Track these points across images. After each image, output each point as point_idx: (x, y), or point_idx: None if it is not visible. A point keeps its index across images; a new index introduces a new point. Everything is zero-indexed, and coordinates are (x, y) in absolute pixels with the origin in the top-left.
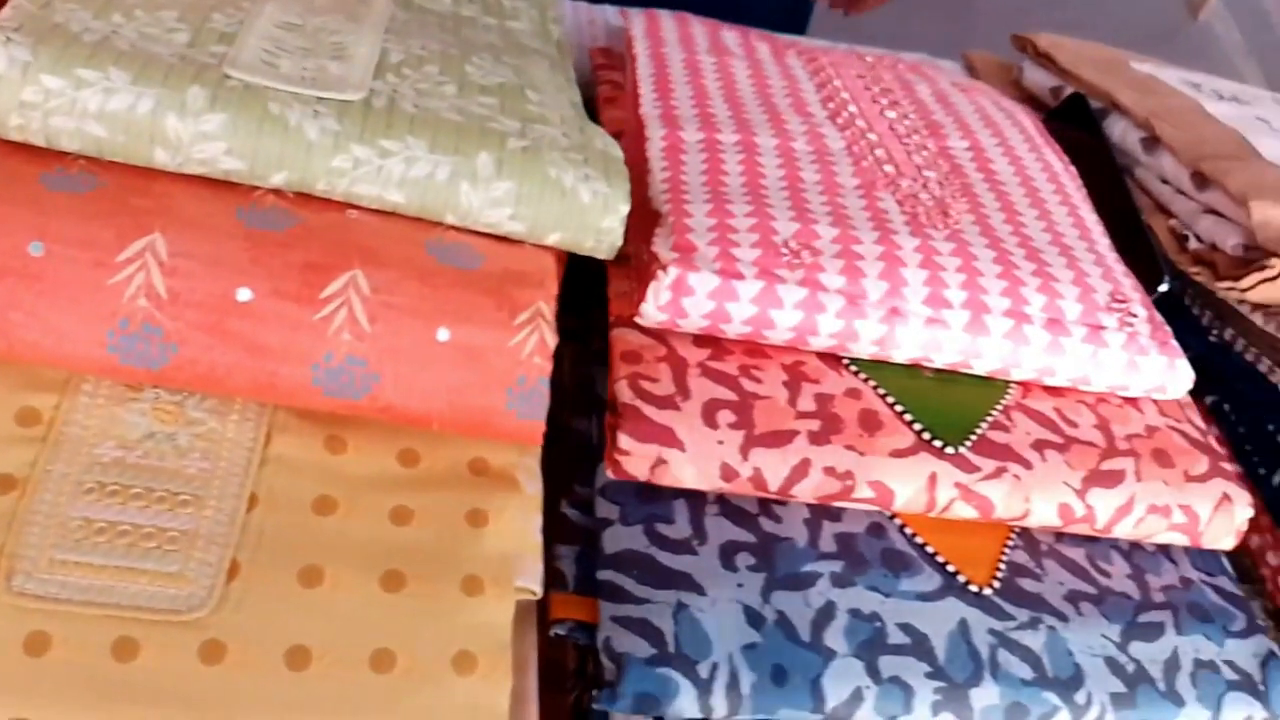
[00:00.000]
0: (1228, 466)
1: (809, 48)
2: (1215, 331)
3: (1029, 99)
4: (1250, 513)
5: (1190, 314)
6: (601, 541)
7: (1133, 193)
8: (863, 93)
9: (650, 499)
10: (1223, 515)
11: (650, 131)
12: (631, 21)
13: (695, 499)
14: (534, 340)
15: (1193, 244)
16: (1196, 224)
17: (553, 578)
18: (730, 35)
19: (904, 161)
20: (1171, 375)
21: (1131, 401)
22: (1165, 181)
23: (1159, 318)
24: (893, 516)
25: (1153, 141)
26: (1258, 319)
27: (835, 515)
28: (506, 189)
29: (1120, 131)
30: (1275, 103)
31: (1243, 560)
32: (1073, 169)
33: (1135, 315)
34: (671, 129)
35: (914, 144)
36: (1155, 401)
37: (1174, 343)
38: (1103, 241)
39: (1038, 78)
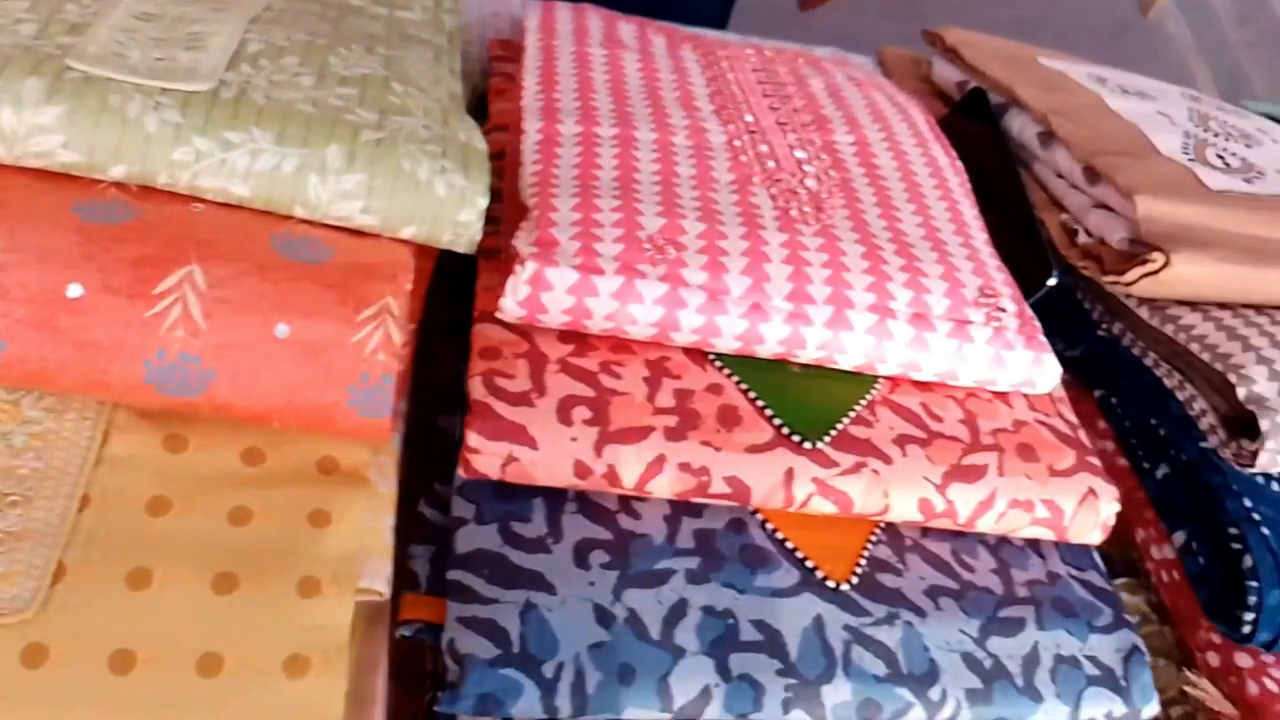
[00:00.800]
0: (1094, 461)
1: (707, 41)
2: (1105, 326)
3: (938, 94)
4: (1116, 507)
5: (1082, 308)
6: (454, 541)
7: (1027, 187)
8: (755, 87)
9: (507, 497)
10: (1087, 510)
11: (527, 124)
12: (528, 12)
13: (554, 497)
14: (379, 336)
15: (1082, 238)
16: (1086, 218)
17: (406, 578)
18: (627, 28)
19: (785, 156)
20: (1038, 370)
21: (1001, 396)
22: (1060, 176)
23: (1029, 312)
24: (755, 512)
25: (1049, 136)
26: (1144, 313)
27: (696, 512)
28: (358, 181)
29: (1019, 126)
30: (1183, 98)
31: (1130, 554)
32: (959, 165)
33: (1003, 310)
34: (549, 122)
35: (799, 139)
36: (1026, 396)
37: (1041, 338)
38: (979, 236)
39: (946, 73)
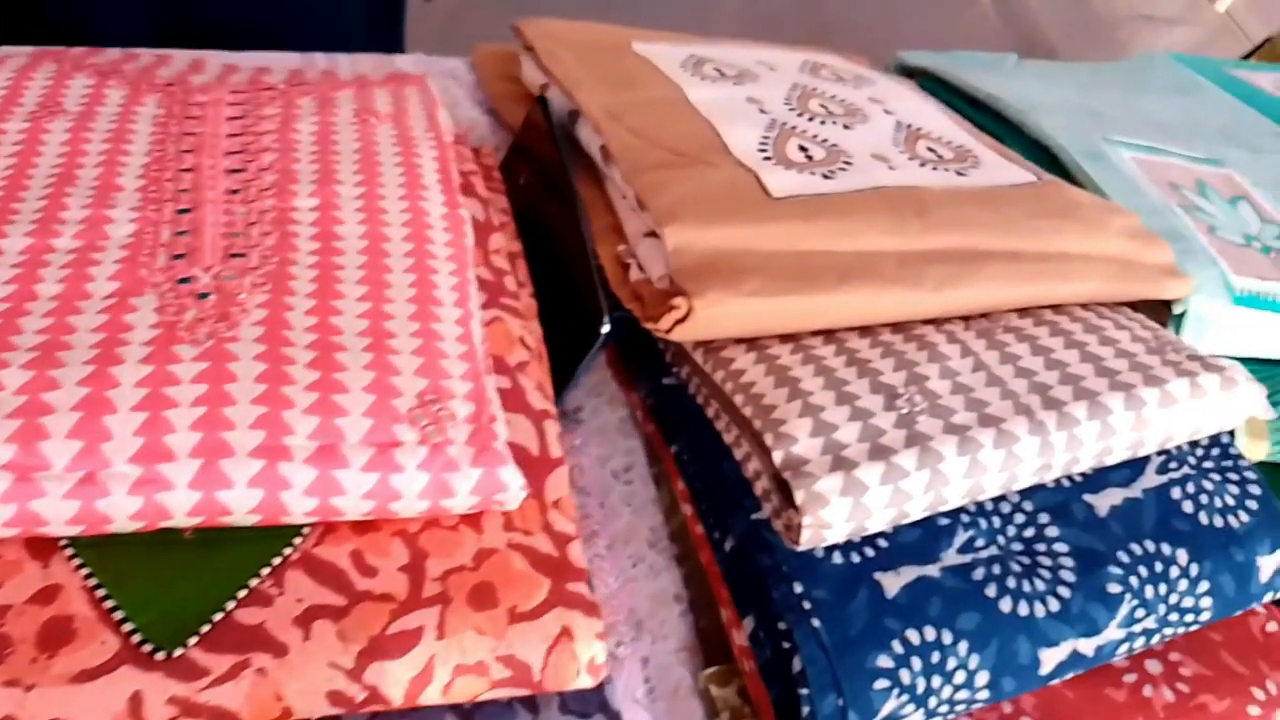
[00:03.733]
0: (577, 588)
1: (192, 86)
2: (674, 370)
3: (529, 97)
4: (599, 646)
5: (656, 349)
6: None
7: (583, 216)
8: (220, 144)
9: None
10: (563, 655)
11: None
12: None
13: None
14: None
15: (635, 274)
16: (639, 248)
17: None
18: (80, 83)
19: (211, 244)
20: (496, 488)
21: (472, 519)
22: (624, 197)
23: (489, 415)
24: None
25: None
26: (698, 356)
27: None
28: None
29: (586, 137)
30: (800, 71)
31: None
32: (458, 216)
33: (452, 417)
34: None
35: (247, 213)
36: (507, 512)
37: (500, 446)
38: (448, 316)
39: (531, 74)
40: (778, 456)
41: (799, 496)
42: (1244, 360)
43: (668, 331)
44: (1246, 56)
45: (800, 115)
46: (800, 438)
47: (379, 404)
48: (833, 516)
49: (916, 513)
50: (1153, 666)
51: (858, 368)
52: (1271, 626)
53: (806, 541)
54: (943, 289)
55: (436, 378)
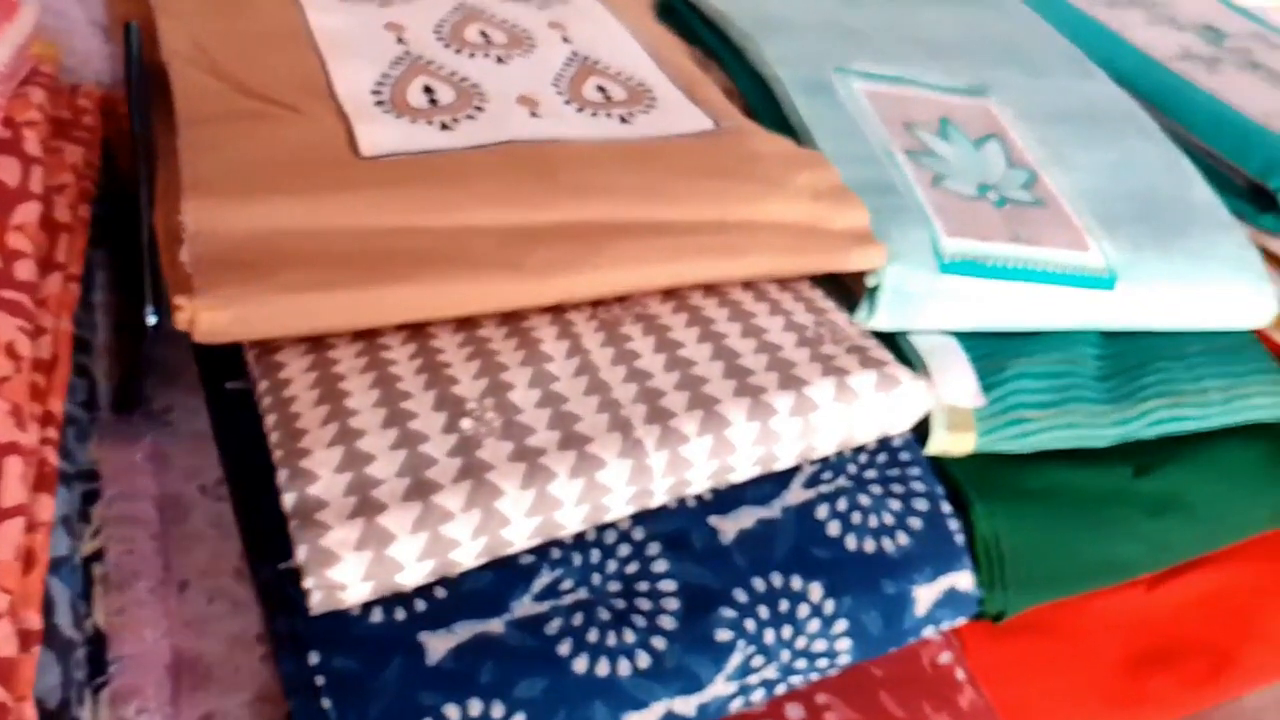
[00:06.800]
0: None
1: None
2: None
3: None
4: None
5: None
6: None
7: (143, 172)
8: None
9: None
10: None
11: None
12: None
13: None
14: None
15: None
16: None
17: None
18: None
19: None
20: None
21: None
22: None
23: None
24: None
25: None
26: (251, 358)
27: None
28: None
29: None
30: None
31: None
32: None
33: None
34: None
35: None
36: None
37: None
38: None
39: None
40: (289, 499)
41: (300, 553)
42: (964, 334)
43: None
44: None
45: (447, 46)
46: (323, 474)
47: None
48: (346, 575)
49: (468, 561)
50: (793, 712)
51: (430, 375)
52: (945, 658)
53: (319, 604)
54: (550, 274)
55: None
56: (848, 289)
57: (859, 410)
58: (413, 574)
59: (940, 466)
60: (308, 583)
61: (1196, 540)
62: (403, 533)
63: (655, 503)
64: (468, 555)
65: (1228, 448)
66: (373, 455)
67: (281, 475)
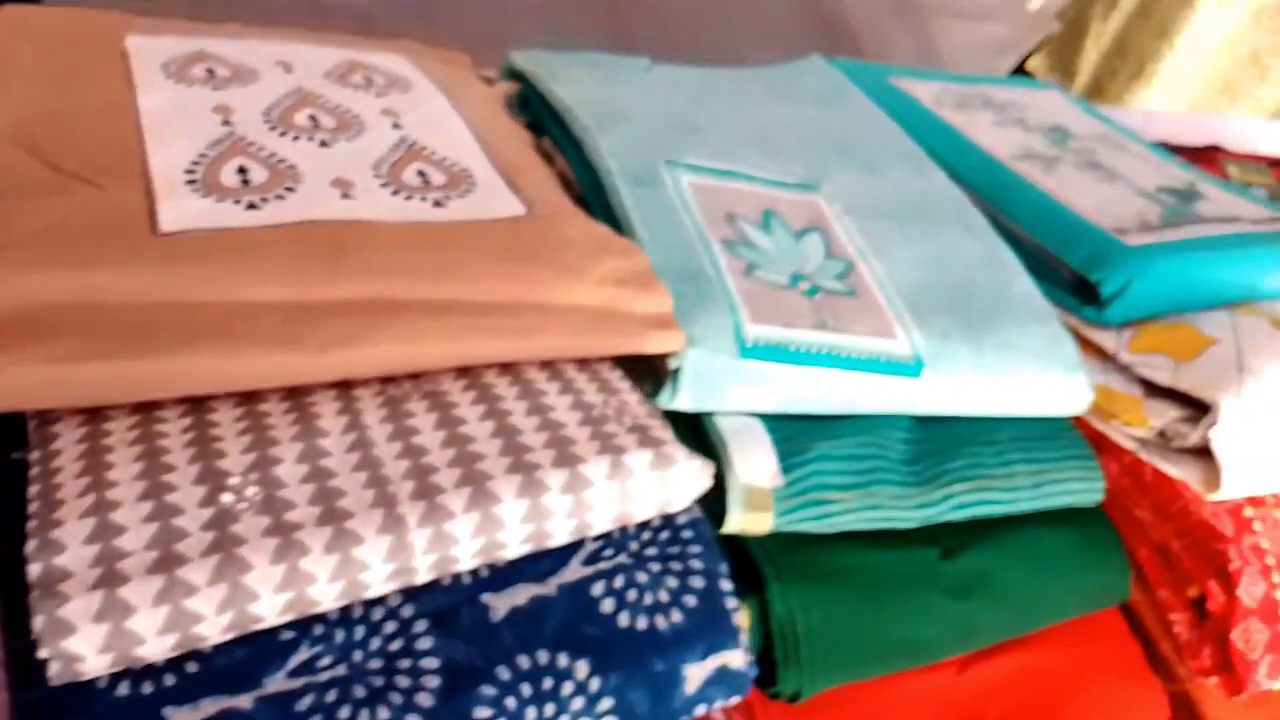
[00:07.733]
0: None
1: None
2: None
3: None
4: None
5: None
6: None
7: None
8: None
9: None
10: None
11: None
12: None
13: None
14: None
15: None
16: None
17: None
18: None
19: None
20: None
21: None
22: None
23: None
24: None
25: None
26: (32, 426)
27: None
28: None
29: None
30: (322, 76)
31: None
32: None
33: None
34: None
35: None
36: None
37: None
38: None
39: None
40: (34, 570)
41: (37, 622)
42: (771, 416)
43: None
44: (1024, 61)
45: (274, 128)
46: (71, 545)
47: None
48: (83, 647)
49: (215, 635)
50: None
51: (199, 448)
52: None
53: (57, 675)
54: (328, 350)
55: None
56: (658, 372)
57: (634, 488)
58: (154, 647)
59: (740, 545)
60: (43, 652)
61: (1004, 624)
62: (144, 605)
63: (420, 580)
64: (214, 630)
65: (1039, 532)
66: (125, 527)
67: (30, 545)
